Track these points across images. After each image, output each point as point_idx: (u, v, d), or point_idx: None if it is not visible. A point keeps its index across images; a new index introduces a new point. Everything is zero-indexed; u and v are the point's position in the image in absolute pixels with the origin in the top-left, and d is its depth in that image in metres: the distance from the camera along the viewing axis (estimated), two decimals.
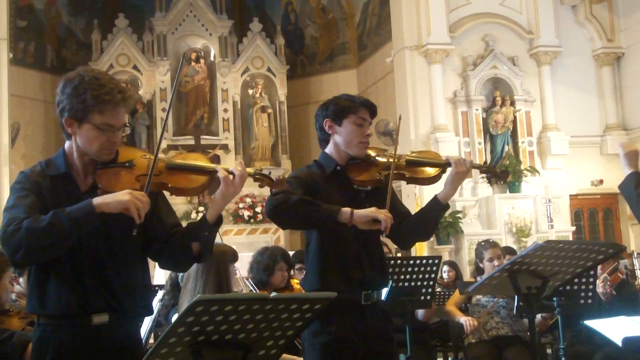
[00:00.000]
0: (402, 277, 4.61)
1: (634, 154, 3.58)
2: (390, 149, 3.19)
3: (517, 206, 11.63)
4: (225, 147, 15.15)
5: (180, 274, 4.39)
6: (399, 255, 7.47)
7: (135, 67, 15.13)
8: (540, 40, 12.48)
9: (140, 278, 2.54)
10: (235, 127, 15.38)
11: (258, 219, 14.55)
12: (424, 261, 4.72)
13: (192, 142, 14.93)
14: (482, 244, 5.86)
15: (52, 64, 15.50)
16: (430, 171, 3.16)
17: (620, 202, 12.91)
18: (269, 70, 15.68)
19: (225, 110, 15.41)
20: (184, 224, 2.58)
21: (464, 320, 5.56)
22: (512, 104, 12.20)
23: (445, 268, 8.52)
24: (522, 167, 11.93)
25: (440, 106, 12.09)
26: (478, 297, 5.64)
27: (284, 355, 3.88)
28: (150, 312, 2.65)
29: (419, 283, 4.68)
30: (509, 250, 7.11)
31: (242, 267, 4.94)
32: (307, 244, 3.16)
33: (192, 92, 15.35)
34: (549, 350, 6.35)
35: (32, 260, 2.32)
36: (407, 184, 3.31)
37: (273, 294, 1.90)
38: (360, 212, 2.91)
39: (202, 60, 15.42)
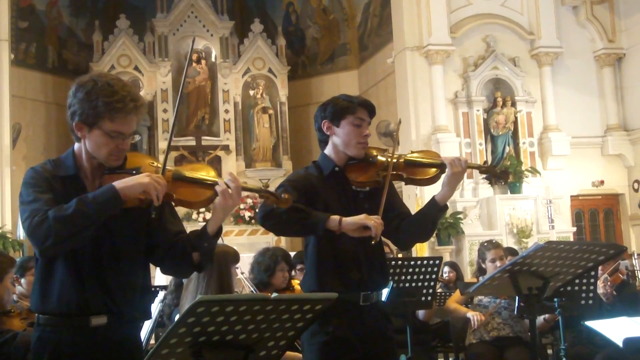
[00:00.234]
0: (403, 277, 4.62)
1: None
2: (391, 149, 3.16)
3: (518, 207, 11.63)
4: (226, 148, 15.16)
5: None
6: (399, 255, 7.47)
7: (136, 68, 15.13)
8: (541, 41, 12.48)
9: (141, 281, 2.55)
10: (236, 128, 15.39)
11: None
12: (425, 262, 4.72)
13: (193, 142, 14.95)
14: (485, 244, 5.85)
15: (54, 64, 15.51)
16: (428, 172, 3.13)
17: (621, 203, 12.91)
18: (270, 71, 15.69)
19: (227, 111, 15.41)
20: (186, 224, 2.59)
21: (472, 314, 5.55)
22: (513, 104, 12.20)
23: (446, 269, 8.51)
24: (523, 167, 11.92)
25: (441, 107, 12.09)
26: (480, 297, 5.64)
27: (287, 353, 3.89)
28: (148, 317, 2.65)
29: (419, 284, 4.68)
30: (511, 251, 7.10)
31: (243, 268, 4.95)
32: (305, 245, 3.16)
33: (193, 93, 15.35)
34: (549, 351, 6.35)
35: (61, 249, 2.33)
36: (406, 184, 3.29)
37: (274, 294, 1.91)
38: (348, 220, 2.88)
39: (203, 61, 15.43)
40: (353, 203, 3.09)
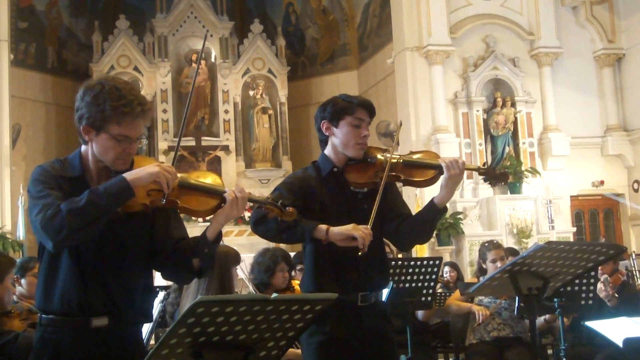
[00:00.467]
0: (403, 278, 4.63)
1: None
2: (391, 150, 3.14)
3: (518, 207, 11.64)
4: (226, 149, 15.15)
5: None
6: (399, 256, 7.47)
7: (136, 69, 15.12)
8: (541, 41, 12.48)
9: (143, 284, 2.55)
10: (236, 129, 15.38)
11: None
12: (425, 262, 4.73)
13: (193, 143, 14.94)
14: (486, 245, 5.84)
15: (53, 65, 15.49)
16: (426, 173, 3.09)
17: (620, 203, 12.91)
18: (269, 71, 15.68)
19: (226, 112, 15.41)
20: (187, 224, 2.59)
21: (476, 309, 5.54)
22: (513, 105, 12.21)
23: (447, 269, 8.50)
24: (523, 168, 11.92)
25: (441, 107, 12.09)
26: (480, 297, 5.64)
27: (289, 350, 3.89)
28: (149, 320, 2.65)
29: (419, 284, 4.69)
30: (511, 252, 7.09)
31: (244, 269, 4.95)
32: (304, 245, 3.15)
33: (193, 93, 15.34)
34: (550, 351, 6.35)
35: (74, 240, 2.34)
36: (403, 186, 3.26)
37: (274, 295, 1.90)
38: (335, 230, 2.87)
39: (203, 62, 15.43)
40: (352, 204, 3.08)
